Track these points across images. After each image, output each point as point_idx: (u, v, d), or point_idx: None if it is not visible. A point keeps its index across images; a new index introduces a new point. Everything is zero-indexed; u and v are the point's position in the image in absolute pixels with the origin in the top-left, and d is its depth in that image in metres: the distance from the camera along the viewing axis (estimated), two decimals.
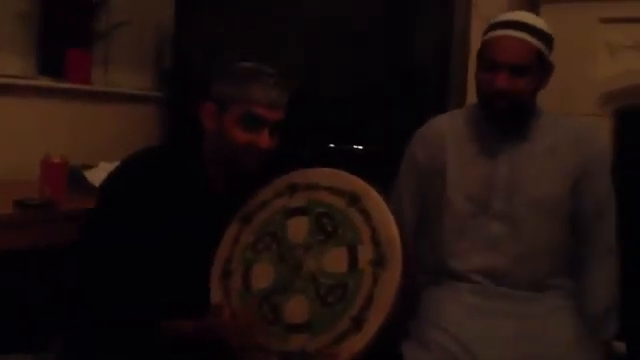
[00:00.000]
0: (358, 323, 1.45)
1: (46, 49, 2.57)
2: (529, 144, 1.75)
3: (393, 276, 1.46)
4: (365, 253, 1.51)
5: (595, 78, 2.44)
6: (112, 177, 1.61)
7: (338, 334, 1.45)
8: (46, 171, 2.03)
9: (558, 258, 1.77)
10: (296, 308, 1.52)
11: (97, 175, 2.15)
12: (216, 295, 1.61)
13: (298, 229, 1.60)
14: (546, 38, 1.68)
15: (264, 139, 1.57)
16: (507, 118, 1.72)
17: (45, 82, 2.53)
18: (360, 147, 2.53)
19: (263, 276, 1.58)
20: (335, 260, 1.53)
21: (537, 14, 1.98)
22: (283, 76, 1.60)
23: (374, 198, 1.57)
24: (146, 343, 1.51)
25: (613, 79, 2.40)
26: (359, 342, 1.43)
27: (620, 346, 1.81)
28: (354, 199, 1.58)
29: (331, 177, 1.65)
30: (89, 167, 2.19)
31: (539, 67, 1.69)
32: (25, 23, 2.50)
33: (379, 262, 1.49)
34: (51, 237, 1.90)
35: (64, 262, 1.73)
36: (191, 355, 1.52)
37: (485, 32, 1.73)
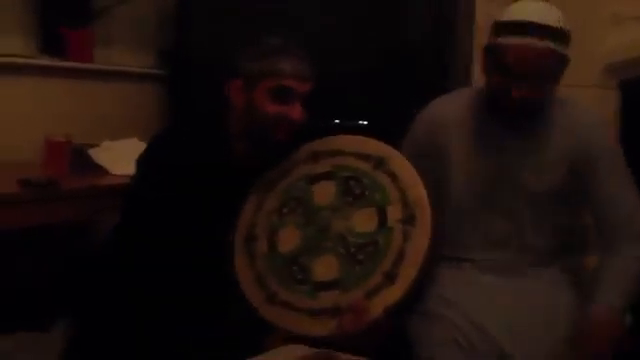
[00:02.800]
0: (391, 277, 1.47)
1: (47, 28, 2.54)
2: (535, 136, 1.70)
3: (423, 232, 1.50)
4: (394, 213, 1.53)
5: (600, 49, 2.42)
6: (146, 157, 1.63)
7: (371, 288, 1.48)
8: (50, 150, 2.04)
9: (563, 239, 1.76)
10: (325, 267, 1.54)
11: (100, 153, 2.16)
12: (240, 259, 1.61)
13: (324, 193, 1.62)
14: (564, 36, 1.57)
15: (296, 111, 1.60)
16: (519, 119, 1.67)
17: (47, 61, 2.51)
18: (365, 122, 2.52)
19: (290, 239, 1.60)
20: (364, 220, 1.55)
21: None
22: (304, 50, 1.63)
23: (400, 159, 1.60)
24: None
25: (618, 50, 2.38)
26: (394, 294, 1.46)
27: (626, 317, 1.80)
28: (380, 162, 1.61)
29: (354, 143, 1.67)
30: (92, 146, 2.18)
31: (559, 67, 1.61)
32: (26, 2, 2.48)
33: (409, 220, 1.52)
34: (55, 216, 1.90)
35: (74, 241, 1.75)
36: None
37: (497, 30, 1.60)
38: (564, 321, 1.66)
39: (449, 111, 1.78)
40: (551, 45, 1.54)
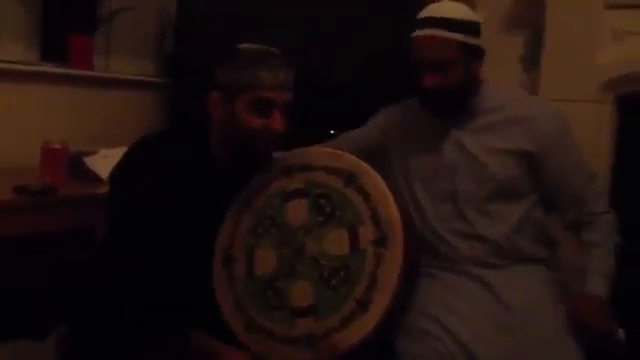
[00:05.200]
0: (364, 304, 1.45)
1: (48, 35, 2.57)
2: (471, 123, 1.77)
3: (396, 255, 1.47)
4: (366, 233, 1.50)
5: (598, 64, 2.42)
6: (123, 164, 1.61)
7: (345, 316, 1.46)
8: (46, 157, 2.04)
9: (533, 232, 1.77)
10: (300, 292, 1.52)
11: (97, 161, 2.16)
12: (219, 282, 1.61)
13: (297, 211, 1.60)
14: (467, 27, 1.70)
15: (277, 121, 1.57)
16: (441, 109, 1.75)
17: (47, 68, 2.53)
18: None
19: (265, 261, 1.58)
20: (336, 242, 1.53)
21: None
22: (287, 56, 1.60)
23: (371, 176, 1.57)
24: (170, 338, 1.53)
25: (616, 65, 2.38)
26: (367, 324, 1.44)
27: (619, 333, 1.80)
28: (350, 177, 1.57)
29: (325, 156, 1.65)
30: (89, 153, 2.19)
31: (465, 56, 1.71)
32: (28, 9, 2.50)
33: (381, 242, 1.48)
34: (51, 223, 1.90)
35: (70, 248, 1.75)
36: None
37: (413, 28, 1.75)
38: (545, 320, 1.67)
39: (402, 110, 1.91)
40: (449, 34, 1.67)
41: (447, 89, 1.71)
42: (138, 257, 1.51)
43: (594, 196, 1.78)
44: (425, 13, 1.73)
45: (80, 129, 2.55)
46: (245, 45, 1.61)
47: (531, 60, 2.60)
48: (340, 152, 1.65)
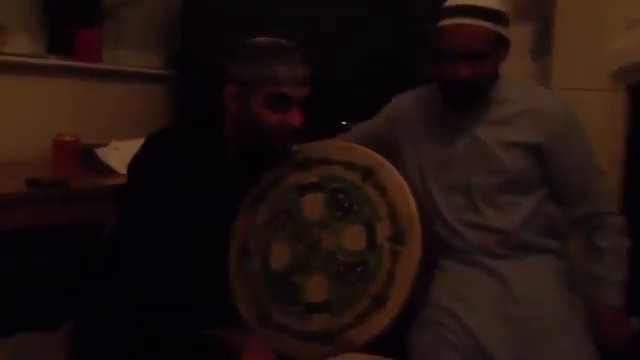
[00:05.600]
0: (380, 301, 1.45)
1: (56, 28, 2.55)
2: (487, 114, 1.75)
3: (413, 253, 1.47)
4: (383, 229, 1.50)
5: (610, 53, 2.41)
6: (139, 157, 1.60)
7: (360, 313, 1.45)
8: (58, 150, 2.04)
9: (543, 224, 1.76)
10: (316, 287, 1.52)
11: (108, 153, 2.16)
12: (235, 275, 1.60)
13: (313, 206, 1.59)
14: (499, 17, 1.66)
15: (295, 117, 1.55)
16: (469, 102, 1.73)
17: (55, 61, 2.51)
18: None
19: (281, 255, 1.58)
20: (353, 237, 1.52)
21: None
22: (302, 50, 1.57)
23: (389, 172, 1.56)
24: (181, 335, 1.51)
25: (628, 53, 2.37)
26: (382, 321, 1.44)
27: (634, 321, 1.81)
28: (368, 173, 1.56)
29: (344, 151, 1.63)
30: (100, 145, 2.18)
31: (497, 47, 1.68)
32: (35, 2, 2.49)
33: (398, 239, 1.48)
34: (64, 215, 1.90)
35: (81, 241, 1.74)
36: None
37: (438, 17, 1.70)
38: (553, 310, 1.67)
39: (407, 102, 1.87)
40: (481, 23, 1.63)
41: (478, 80, 1.68)
42: (145, 252, 1.50)
43: (603, 194, 1.77)
44: (456, 1, 1.68)
45: (87, 121, 2.54)
46: (260, 38, 1.58)
47: (541, 50, 2.59)
48: (358, 146, 1.64)
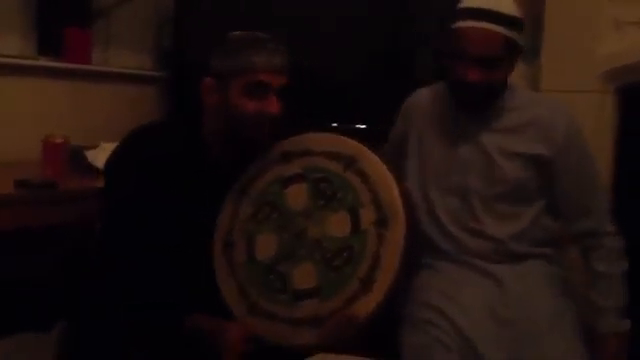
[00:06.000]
0: (367, 284, 1.46)
1: (45, 28, 2.55)
2: (494, 122, 1.73)
3: (398, 235, 1.48)
4: (367, 215, 1.52)
5: (599, 55, 2.42)
6: (116, 156, 1.61)
7: (349, 296, 1.47)
8: (47, 151, 2.03)
9: (539, 236, 1.76)
10: (304, 275, 1.53)
11: (98, 155, 2.15)
12: (220, 267, 1.61)
13: (297, 196, 1.60)
14: (515, 23, 1.64)
15: (273, 104, 1.56)
16: (477, 106, 1.71)
17: (45, 62, 2.51)
18: (363, 126, 2.52)
19: (266, 246, 1.59)
20: (337, 224, 1.54)
21: None
22: (279, 40, 1.59)
23: (370, 159, 1.58)
24: (167, 328, 1.52)
25: (618, 55, 2.38)
26: (371, 301, 1.45)
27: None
28: (350, 161, 1.58)
29: (324, 141, 1.65)
30: (90, 147, 2.18)
31: (510, 54, 1.66)
32: (25, 3, 2.48)
33: (382, 223, 1.50)
34: (52, 217, 1.89)
35: (71, 242, 1.74)
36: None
37: (456, 17, 1.67)
38: (545, 313, 1.67)
39: (417, 100, 1.86)
40: (496, 28, 1.60)
41: (489, 86, 1.66)
42: (128, 251, 1.51)
43: (602, 212, 1.77)
44: (474, 3, 1.64)
45: (78, 122, 2.54)
46: (236, 32, 1.61)
47: (531, 51, 2.59)
48: (339, 136, 1.65)
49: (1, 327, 1.98)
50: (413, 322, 1.71)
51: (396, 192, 1.52)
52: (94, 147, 2.19)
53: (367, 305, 1.45)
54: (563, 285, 1.77)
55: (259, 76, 1.54)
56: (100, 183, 2.00)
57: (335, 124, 2.20)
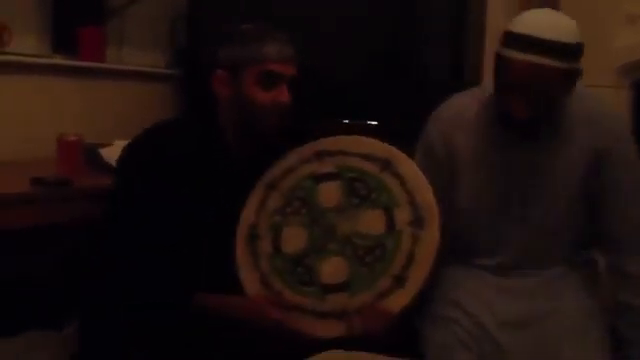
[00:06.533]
0: (401, 281, 1.49)
1: (60, 27, 2.56)
2: (547, 140, 1.63)
3: (433, 235, 1.51)
4: (402, 215, 1.54)
5: (614, 49, 2.40)
6: (128, 155, 1.61)
7: (380, 292, 1.49)
8: (62, 149, 2.04)
9: (573, 237, 1.73)
10: (333, 269, 1.54)
11: (112, 153, 2.15)
12: (243, 259, 1.61)
13: (329, 193, 1.62)
14: (575, 50, 1.47)
15: (284, 94, 1.58)
16: (526, 131, 1.61)
17: (59, 60, 2.53)
18: (375, 123, 2.52)
19: (294, 239, 1.60)
20: (371, 222, 1.56)
21: None
22: (287, 33, 1.60)
23: (406, 162, 1.60)
24: (178, 322, 1.53)
25: (632, 50, 2.36)
26: (404, 297, 1.48)
27: None
28: (386, 164, 1.60)
29: (359, 144, 1.66)
30: (104, 145, 2.19)
31: (568, 83, 1.51)
32: (40, 1, 2.50)
33: (417, 223, 1.52)
34: (68, 214, 1.90)
35: (85, 241, 1.75)
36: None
37: (505, 41, 1.50)
38: (569, 317, 1.65)
39: (462, 113, 1.71)
40: (558, 63, 1.43)
41: (540, 117, 1.53)
42: (140, 251, 1.51)
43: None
44: (530, 31, 1.44)
45: (92, 120, 2.56)
46: (245, 24, 1.62)
47: None
48: (374, 140, 1.65)
49: (1, 327, 1.99)
50: (433, 318, 1.71)
51: (432, 195, 1.55)
52: (108, 145, 2.20)
53: (401, 299, 1.48)
54: (594, 289, 1.73)
55: (271, 66, 1.56)
56: None
57: (346, 120, 2.20)
